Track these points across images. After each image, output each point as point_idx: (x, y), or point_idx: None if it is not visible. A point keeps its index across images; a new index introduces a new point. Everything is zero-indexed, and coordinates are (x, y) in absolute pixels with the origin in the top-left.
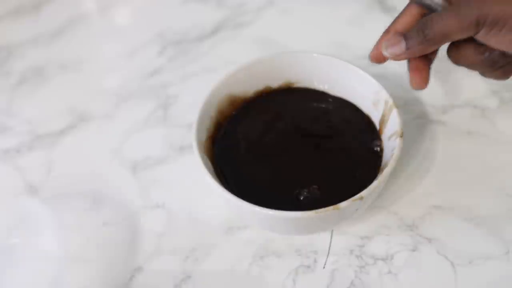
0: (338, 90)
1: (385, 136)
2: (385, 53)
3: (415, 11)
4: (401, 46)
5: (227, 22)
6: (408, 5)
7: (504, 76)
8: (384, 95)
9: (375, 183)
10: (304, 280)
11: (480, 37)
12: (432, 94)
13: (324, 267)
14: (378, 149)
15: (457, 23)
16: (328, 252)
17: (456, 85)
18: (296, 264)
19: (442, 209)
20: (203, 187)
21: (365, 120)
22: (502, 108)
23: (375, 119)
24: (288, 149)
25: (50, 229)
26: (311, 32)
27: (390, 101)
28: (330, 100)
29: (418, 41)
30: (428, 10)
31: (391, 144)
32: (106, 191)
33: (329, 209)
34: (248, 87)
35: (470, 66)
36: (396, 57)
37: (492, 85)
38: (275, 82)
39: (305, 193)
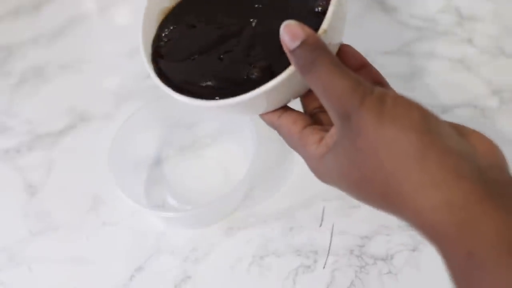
0: None
1: None
2: None
3: None
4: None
5: None
6: None
7: None
8: None
9: (330, 9)
10: (304, 280)
11: None
12: (432, 94)
13: (324, 267)
14: (320, 9)
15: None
16: (328, 252)
17: (456, 85)
18: (296, 264)
19: None
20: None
21: None
22: (502, 108)
23: None
24: (228, 31)
25: (50, 230)
26: None
27: None
28: None
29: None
30: None
31: None
32: (106, 191)
33: None
34: None
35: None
36: None
37: (492, 85)
38: None
39: (255, 73)
